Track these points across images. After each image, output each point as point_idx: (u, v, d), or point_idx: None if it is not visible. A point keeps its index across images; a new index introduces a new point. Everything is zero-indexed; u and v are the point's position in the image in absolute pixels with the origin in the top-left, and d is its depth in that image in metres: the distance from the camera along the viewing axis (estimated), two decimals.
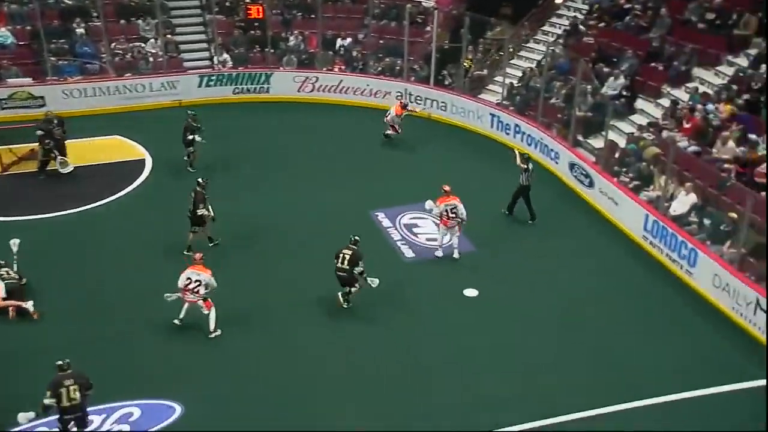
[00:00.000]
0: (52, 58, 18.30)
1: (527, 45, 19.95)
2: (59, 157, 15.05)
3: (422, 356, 10.51)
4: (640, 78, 16.83)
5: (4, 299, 10.96)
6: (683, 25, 17.05)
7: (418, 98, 18.83)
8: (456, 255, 12.73)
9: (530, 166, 13.79)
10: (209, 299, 10.63)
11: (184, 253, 12.20)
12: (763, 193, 12.16)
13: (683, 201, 12.80)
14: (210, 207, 12.39)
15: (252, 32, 20.05)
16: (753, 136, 13.49)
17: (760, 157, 12.89)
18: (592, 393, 9.77)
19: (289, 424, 9.20)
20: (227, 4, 20.63)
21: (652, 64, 16.82)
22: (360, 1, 20.98)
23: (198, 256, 10.74)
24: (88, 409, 8.76)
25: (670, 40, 16.93)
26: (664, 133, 14.64)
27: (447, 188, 12.60)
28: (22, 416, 8.42)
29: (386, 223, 13.66)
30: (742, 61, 15.64)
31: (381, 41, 20.23)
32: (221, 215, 12.69)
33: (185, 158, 15.21)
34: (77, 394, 8.35)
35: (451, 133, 18.03)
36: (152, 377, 9.88)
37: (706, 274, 11.70)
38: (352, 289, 11.33)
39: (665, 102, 15.87)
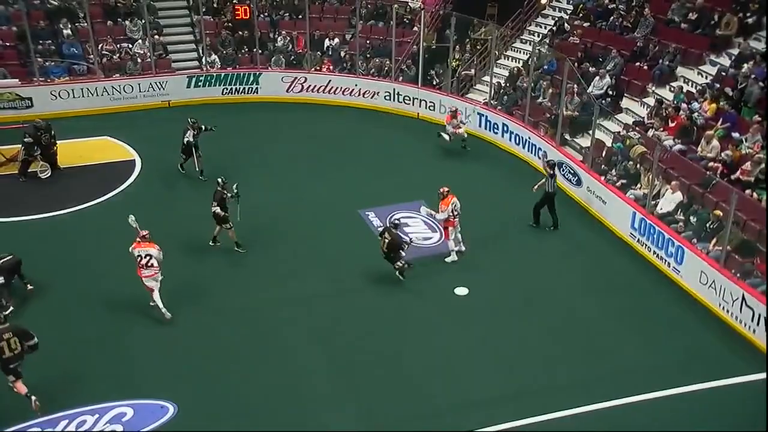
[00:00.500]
0: (39, 59, 18.09)
1: (514, 45, 19.97)
2: (41, 163, 14.94)
3: (411, 354, 10.44)
4: (625, 77, 16.90)
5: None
6: (666, 25, 17.13)
7: (407, 98, 18.80)
8: (455, 257, 12.60)
9: (556, 171, 13.52)
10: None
11: (209, 243, 12.53)
12: (748, 191, 12.27)
13: (669, 199, 12.83)
14: (227, 207, 12.26)
15: (240, 33, 19.96)
16: (736, 135, 13.58)
17: (744, 156, 12.98)
18: (581, 390, 9.74)
19: (282, 422, 9.13)
20: (214, 5, 20.53)
21: (637, 64, 16.89)
22: (347, 1, 20.94)
23: (143, 233, 10.76)
24: (82, 409, 8.98)
25: (653, 40, 17.01)
26: (650, 132, 14.70)
27: (446, 189, 12.40)
28: None
29: (376, 222, 13.60)
30: (724, 61, 15.72)
31: (368, 42, 20.16)
32: (205, 216, 12.46)
33: (179, 167, 14.88)
34: (18, 345, 8.85)
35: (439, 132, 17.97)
36: (145, 377, 9.82)
37: (692, 271, 11.73)
38: (398, 263, 11.76)
39: (650, 101, 15.93)
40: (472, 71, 19.54)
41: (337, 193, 14.70)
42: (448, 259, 12.57)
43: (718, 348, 10.66)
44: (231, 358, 10.27)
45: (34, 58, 17.84)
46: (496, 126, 17.18)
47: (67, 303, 11.28)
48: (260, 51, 19.51)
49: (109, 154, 16.16)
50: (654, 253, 12.54)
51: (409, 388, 9.81)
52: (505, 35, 19.88)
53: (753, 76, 14.24)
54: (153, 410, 9.18)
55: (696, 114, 14.49)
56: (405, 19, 20.16)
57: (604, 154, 14.98)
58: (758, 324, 10.57)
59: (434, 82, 19.13)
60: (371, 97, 19.04)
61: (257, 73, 19.23)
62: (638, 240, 12.91)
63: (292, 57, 19.91)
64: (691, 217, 12.44)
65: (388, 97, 18.94)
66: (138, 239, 10.68)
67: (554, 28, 19.37)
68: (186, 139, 14.50)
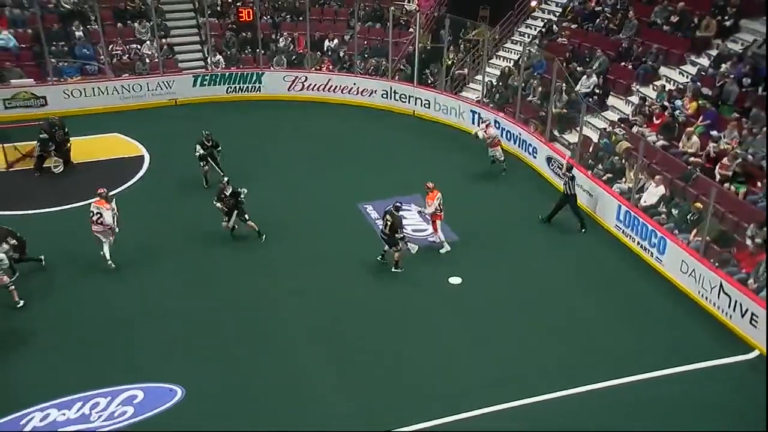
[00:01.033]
0: (53, 60, 18.11)
1: (505, 46, 19.98)
2: (54, 159, 15.01)
3: (406, 340, 10.47)
4: (611, 77, 16.94)
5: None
6: (649, 27, 17.16)
7: (403, 96, 18.82)
8: (448, 247, 12.65)
9: (573, 174, 13.24)
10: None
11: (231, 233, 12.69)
12: (726, 185, 12.37)
13: (653, 192, 12.92)
14: (224, 205, 12.34)
15: (243, 34, 19.95)
16: (714, 132, 13.64)
17: (722, 151, 13.06)
18: (568, 374, 9.80)
19: (283, 409, 9.18)
20: (219, 7, 20.49)
21: (622, 64, 16.93)
22: (346, 4, 20.92)
23: (101, 191, 11.48)
24: (95, 391, 9.13)
25: (637, 41, 17.06)
26: (635, 129, 14.77)
27: (431, 184, 12.49)
28: None
29: (374, 215, 13.62)
30: (704, 61, 15.79)
31: (366, 42, 20.16)
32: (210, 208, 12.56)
33: (203, 176, 14.56)
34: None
35: (434, 129, 18.03)
36: (155, 361, 9.90)
37: (674, 261, 11.82)
38: (396, 253, 11.74)
39: (635, 99, 15.99)
40: (466, 70, 19.57)
41: (335, 187, 14.72)
42: (442, 251, 12.62)
43: (698, 333, 10.74)
44: (236, 345, 10.31)
45: (48, 59, 17.87)
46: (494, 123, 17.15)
47: (79, 291, 11.33)
48: (263, 51, 19.53)
49: (120, 150, 16.17)
50: (638, 243, 12.61)
51: (400, 374, 9.78)
52: (497, 36, 19.92)
53: (731, 75, 14.33)
54: (162, 393, 9.28)
55: (678, 111, 14.57)
56: (401, 21, 20.16)
57: (591, 150, 15.05)
58: (734, 310, 10.69)
59: (429, 81, 19.13)
60: (369, 96, 19.05)
61: (260, 72, 19.25)
62: (623, 231, 12.99)
63: (294, 57, 19.91)
64: (673, 210, 12.54)
65: (385, 96, 18.97)
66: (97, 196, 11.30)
67: (543, 30, 19.39)
68: (196, 153, 14.21)
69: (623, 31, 17.48)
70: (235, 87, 19.21)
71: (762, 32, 14.80)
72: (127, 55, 19.09)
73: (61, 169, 15.09)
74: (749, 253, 11.19)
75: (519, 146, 16.20)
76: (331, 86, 19.28)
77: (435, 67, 19.26)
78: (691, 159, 13.35)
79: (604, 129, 15.43)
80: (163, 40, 19.51)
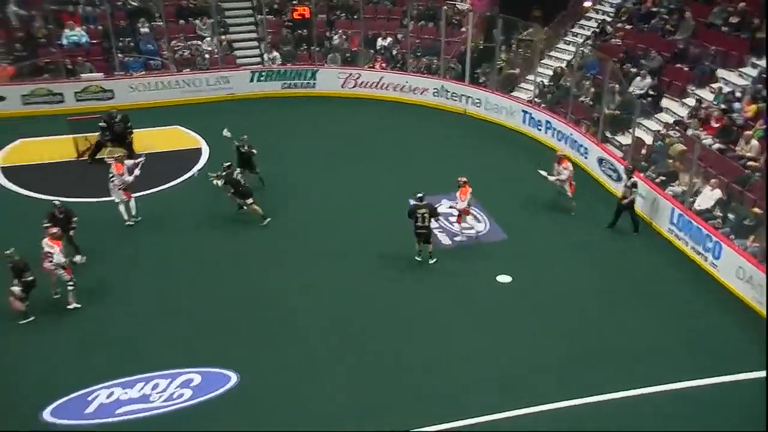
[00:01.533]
0: (120, 55, 18.47)
1: (557, 46, 19.48)
2: (110, 149, 15.15)
3: (453, 336, 10.30)
4: (665, 78, 16.31)
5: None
6: (707, 28, 16.46)
7: (454, 95, 18.61)
8: (463, 237, 12.58)
9: (635, 180, 12.76)
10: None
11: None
12: None
13: (708, 196, 12.38)
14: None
15: (299, 32, 19.96)
16: None
17: None
18: (620, 378, 9.47)
19: (335, 395, 9.17)
20: (276, 5, 20.53)
21: (678, 65, 16.29)
22: (399, 3, 20.74)
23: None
24: (156, 373, 9.34)
25: (694, 42, 16.38)
26: (689, 131, 14.19)
27: (464, 179, 12.39)
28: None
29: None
30: (765, 63, 14.87)
31: (418, 41, 19.94)
32: (275, 198, 12.75)
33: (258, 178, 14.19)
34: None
35: (484, 128, 17.74)
36: (212, 347, 10.00)
37: (730, 267, 11.31)
38: (430, 245, 11.74)
39: (690, 101, 15.35)
40: (517, 70, 19.18)
41: (386, 181, 14.55)
42: (457, 239, 12.56)
43: (755, 341, 10.13)
44: (293, 330, 10.32)
45: (115, 54, 18.24)
46: (539, 123, 16.87)
47: (141, 277, 11.51)
48: (317, 48, 19.52)
49: (179, 142, 16.36)
50: (692, 248, 12.11)
51: (446, 370, 9.62)
52: (550, 36, 19.46)
53: None
54: (218, 378, 9.39)
55: (736, 114, 13.94)
56: (453, 20, 19.86)
57: (644, 152, 14.54)
58: None
59: (480, 80, 18.85)
60: (420, 93, 18.91)
61: (314, 69, 19.27)
62: (676, 235, 12.50)
63: (347, 55, 19.85)
64: (729, 214, 12.00)
65: (436, 94, 18.78)
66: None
67: (597, 30, 18.83)
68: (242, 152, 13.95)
69: (679, 32, 16.82)
70: (290, 83, 19.29)
71: None
72: (188, 51, 19.29)
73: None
74: None
75: (570, 146, 15.71)
76: (384, 84, 19.18)
77: (487, 66, 18.96)
78: (749, 163, 12.75)
79: (658, 131, 14.90)
80: (223, 37, 19.66)
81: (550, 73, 18.37)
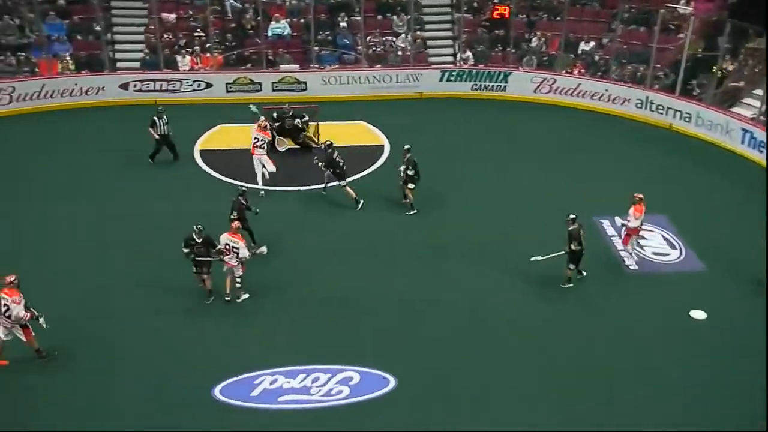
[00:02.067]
0: (316, 48, 19.23)
1: None
2: (278, 139, 15.75)
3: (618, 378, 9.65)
4: None
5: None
6: None
7: (660, 107, 17.34)
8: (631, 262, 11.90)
9: None
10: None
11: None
12: None
13: None
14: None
15: (496, 32, 19.71)
16: None
17: None
18: None
19: (487, 411, 9.09)
20: (475, 3, 20.39)
21: None
22: (608, 5, 19.73)
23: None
24: (318, 366, 9.70)
25: None
26: None
27: (641, 196, 11.59)
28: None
29: (610, 231, 12.77)
30: None
31: (626, 46, 18.79)
32: (442, 196, 12.90)
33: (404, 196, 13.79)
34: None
35: (692, 145, 16.36)
36: (373, 349, 10.22)
37: None
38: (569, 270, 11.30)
39: None
40: (742, 83, 17.34)
41: (572, 195, 13.77)
42: (627, 262, 11.71)
43: None
44: (451, 340, 10.29)
45: (312, 47, 19.04)
46: (762, 144, 15.12)
47: (316, 270, 11.83)
48: (513, 50, 19.18)
49: (363, 138, 16.58)
50: None
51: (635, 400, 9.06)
52: None
53: None
54: (376, 380, 9.59)
55: None
56: (670, 25, 18.48)
57: None
58: None
59: (694, 93, 17.34)
60: (621, 104, 17.90)
61: (507, 71, 18.92)
62: None
63: (545, 58, 19.29)
64: None
65: (639, 105, 17.68)
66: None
67: None
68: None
69: None
70: (480, 85, 19.07)
71: None
72: (382, 47, 19.70)
73: (285, 148, 15.81)
74: None
75: None
76: (581, 91, 18.42)
77: (704, 77, 17.39)
78: None
79: None
80: (417, 33, 19.87)
81: None
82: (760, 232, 11.52)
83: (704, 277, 11.59)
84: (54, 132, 16.81)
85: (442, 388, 9.47)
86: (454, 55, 19.82)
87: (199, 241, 10.56)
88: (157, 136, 14.95)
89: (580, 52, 19.25)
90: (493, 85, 19.07)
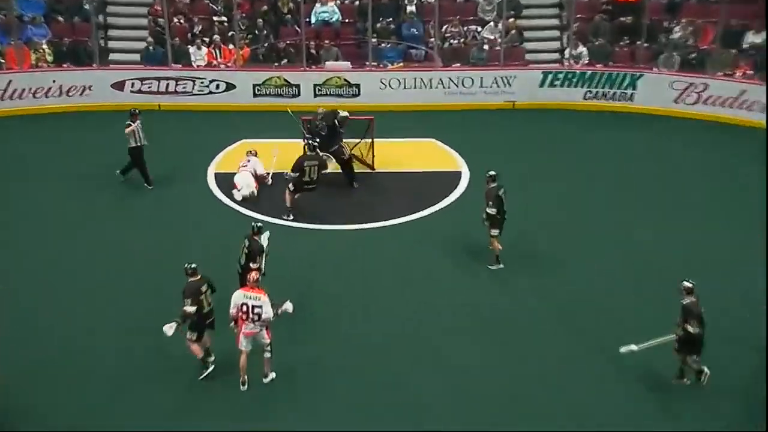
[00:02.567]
0: (375, 40, 18.18)
1: None
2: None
3: None
4: None
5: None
6: None
7: None
8: None
9: None
10: None
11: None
12: None
13: None
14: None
15: (621, 19, 18.40)
16: None
17: None
18: None
19: None
20: None
21: None
22: None
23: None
24: None
25: None
26: None
27: None
28: (166, 328, 9.40)
29: None
30: None
31: None
32: (538, 247, 12.51)
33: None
34: (211, 297, 9.77)
35: None
36: None
37: None
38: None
39: None
40: None
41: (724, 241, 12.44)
42: None
43: None
44: None
45: (369, 38, 17.96)
46: None
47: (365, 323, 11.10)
48: (646, 44, 17.74)
49: (432, 162, 15.70)
50: None
51: None
52: None
53: None
54: None
55: None
56: None
57: None
58: None
59: None
60: None
61: (636, 74, 17.52)
62: None
63: (692, 55, 17.57)
64: None
65: None
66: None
67: None
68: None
69: None
70: (597, 92, 17.84)
71: None
72: (462, 39, 18.54)
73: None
74: None
75: None
76: (745, 102, 16.59)
77: None
78: None
79: None
80: (512, 20, 18.54)
81: None
82: None
83: None
84: (23, 145, 16.24)
85: None
86: (562, 50, 18.66)
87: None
88: (134, 144, 14.16)
89: (745, 46, 17.42)
90: (615, 93, 17.80)
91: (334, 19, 18.88)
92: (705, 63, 17.46)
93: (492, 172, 11.95)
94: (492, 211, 11.79)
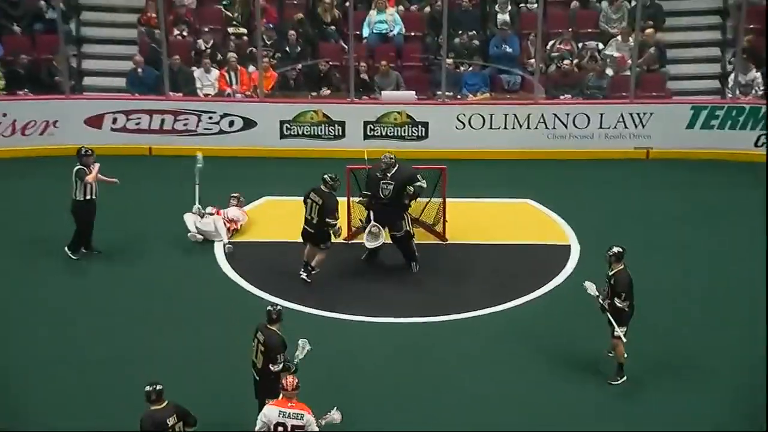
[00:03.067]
0: (449, 62, 17.70)
1: None
2: (372, 225, 14.33)
3: None
4: None
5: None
6: None
7: None
8: None
9: None
10: None
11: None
12: None
13: None
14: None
15: None
16: None
17: None
18: None
19: None
20: None
21: None
22: None
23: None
24: None
25: None
26: None
27: None
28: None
29: None
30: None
31: None
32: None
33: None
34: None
35: None
36: None
37: None
38: None
39: None
40: None
41: None
42: None
43: None
44: None
45: (444, 59, 17.52)
46: None
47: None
48: None
49: (527, 231, 15.53)
50: None
51: None
52: None
53: None
54: None
55: None
56: None
57: None
58: None
59: None
60: None
61: None
62: None
63: None
64: None
65: None
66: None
67: None
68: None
69: None
70: None
71: None
72: (575, 60, 18.10)
73: (379, 243, 14.66)
74: None
75: None
76: None
77: None
78: None
79: None
80: (649, 32, 17.85)
81: None
82: None
83: None
84: None
85: None
86: (723, 76, 18.29)
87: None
88: (81, 198, 14.21)
89: None
90: None
91: (394, 32, 18.61)
92: None
93: (616, 249, 11.71)
94: (623, 304, 11.63)
